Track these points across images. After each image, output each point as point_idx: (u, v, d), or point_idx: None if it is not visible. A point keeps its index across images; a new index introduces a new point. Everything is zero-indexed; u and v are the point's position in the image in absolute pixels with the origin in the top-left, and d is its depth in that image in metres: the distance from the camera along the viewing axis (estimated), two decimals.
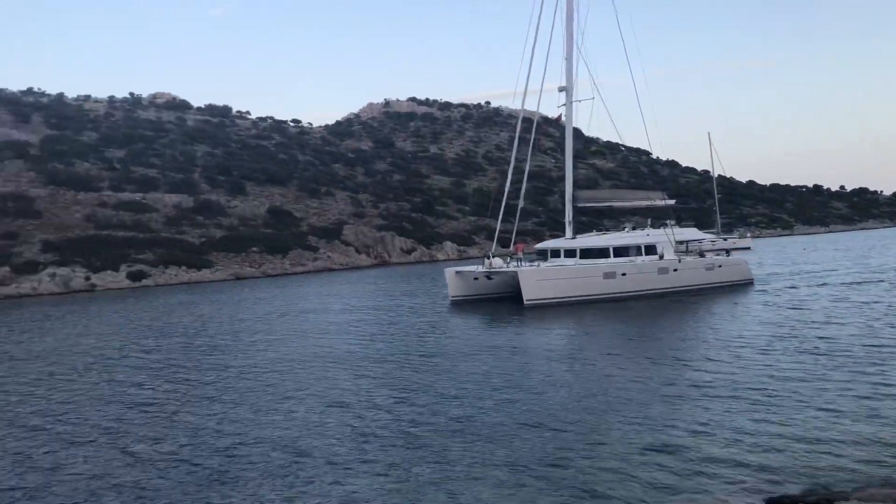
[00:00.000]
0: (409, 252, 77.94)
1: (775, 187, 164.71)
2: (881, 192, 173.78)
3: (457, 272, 33.83)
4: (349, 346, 20.85)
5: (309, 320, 28.35)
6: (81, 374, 18.61)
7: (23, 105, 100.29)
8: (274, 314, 31.28)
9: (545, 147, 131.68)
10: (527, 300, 30.13)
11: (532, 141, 38.42)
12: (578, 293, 31.12)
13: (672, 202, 41.07)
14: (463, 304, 32.35)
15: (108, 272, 54.52)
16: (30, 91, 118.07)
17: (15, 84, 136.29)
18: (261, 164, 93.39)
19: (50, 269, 52.49)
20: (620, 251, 33.99)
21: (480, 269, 33.40)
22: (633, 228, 37.65)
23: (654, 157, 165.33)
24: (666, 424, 11.52)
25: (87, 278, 53.00)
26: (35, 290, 50.15)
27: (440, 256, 78.35)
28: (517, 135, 37.02)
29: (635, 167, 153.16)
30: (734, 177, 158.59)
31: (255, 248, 66.13)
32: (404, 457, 10.47)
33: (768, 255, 61.13)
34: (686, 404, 12.70)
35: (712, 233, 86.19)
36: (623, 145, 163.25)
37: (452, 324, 25.99)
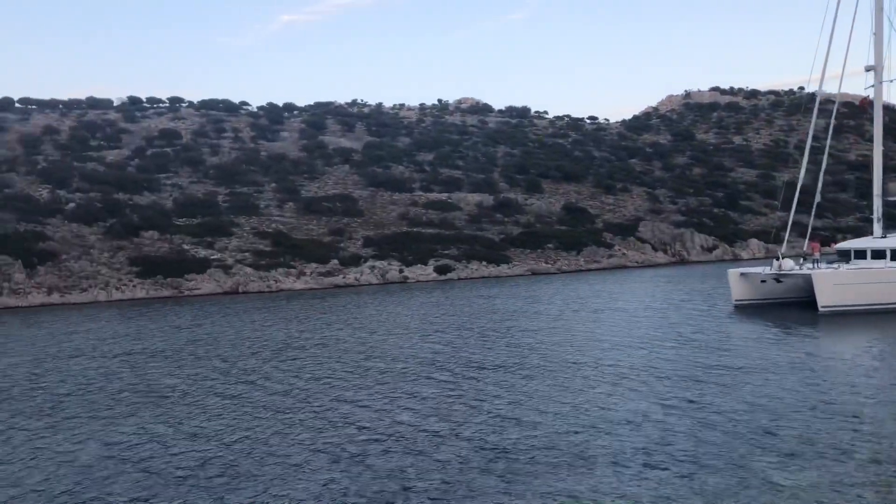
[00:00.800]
0: (709, 250, 74.13)
1: None
2: None
3: (741, 274, 31.41)
4: (611, 355, 20.12)
5: (582, 321, 28.28)
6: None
7: (348, 115, 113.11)
8: (552, 313, 31.76)
9: (870, 134, 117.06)
10: (822, 307, 27.28)
11: (831, 127, 34.47)
12: (887, 300, 27.51)
13: None
14: (748, 310, 29.89)
15: (419, 266, 59.35)
16: (354, 103, 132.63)
17: (342, 97, 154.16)
18: (556, 162, 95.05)
19: (370, 263, 58.58)
20: None
21: (768, 270, 30.73)
22: None
23: None
24: None
25: (401, 271, 58.23)
26: (357, 280, 56.28)
27: (744, 255, 73.38)
28: (813, 120, 33.33)
29: None
30: None
31: (550, 245, 67.56)
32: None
33: None
34: None
35: None
36: None
37: (731, 332, 23.93)
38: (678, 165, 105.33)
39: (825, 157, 34.62)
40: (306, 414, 14.06)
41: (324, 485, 10.12)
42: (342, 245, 61.55)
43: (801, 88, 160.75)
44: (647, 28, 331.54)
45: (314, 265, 56.77)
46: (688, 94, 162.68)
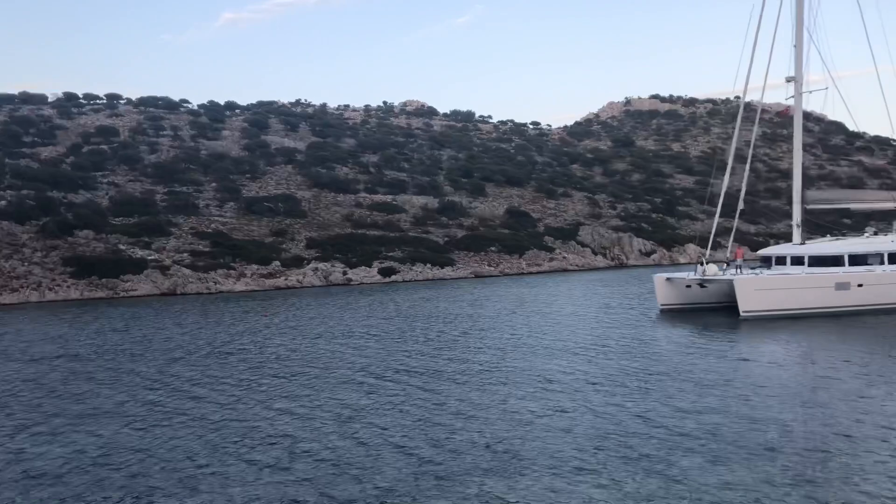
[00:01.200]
0: (648, 254, 75.74)
1: None
2: None
3: (667, 279, 31.73)
4: (535, 361, 20.40)
5: (515, 325, 28.67)
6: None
7: (292, 115, 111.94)
8: (488, 316, 32.08)
9: (805, 144, 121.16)
10: (743, 312, 27.78)
11: (754, 134, 35.62)
12: (804, 306, 28.14)
13: None
14: (673, 314, 30.32)
15: (363, 268, 59.04)
16: (297, 103, 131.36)
17: (286, 97, 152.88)
18: (500, 167, 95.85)
19: (313, 264, 58.03)
20: (857, 259, 30.21)
21: (693, 275, 31.25)
22: (875, 233, 33.50)
23: None
24: None
25: (345, 273, 57.83)
26: (300, 282, 55.68)
27: (682, 259, 75.19)
28: (736, 130, 34.35)
29: None
30: None
31: (493, 248, 68.06)
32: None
33: None
34: None
35: None
36: (894, 140, 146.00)
37: (656, 336, 24.13)
38: (618, 171, 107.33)
39: (748, 165, 35.49)
40: (228, 421, 13.85)
41: (241, 493, 9.99)
42: (284, 246, 60.84)
43: (738, 98, 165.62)
44: (589, 35, 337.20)
45: (255, 266, 55.98)
46: (628, 102, 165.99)
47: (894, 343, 21.40)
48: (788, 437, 11.30)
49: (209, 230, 61.11)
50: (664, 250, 77.37)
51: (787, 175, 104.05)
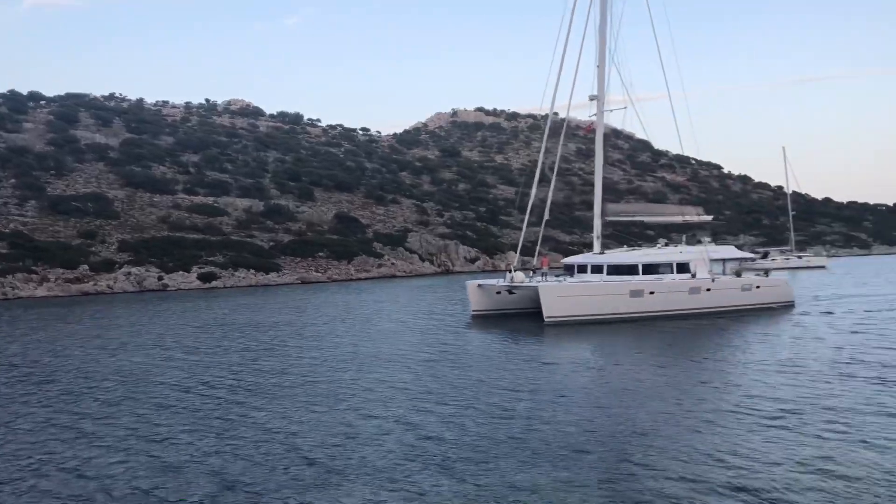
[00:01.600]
0: (472, 261, 77.98)
1: (853, 205, 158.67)
2: None
3: (479, 285, 32.53)
4: (343, 371, 20.53)
5: (337, 331, 28.55)
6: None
7: (104, 109, 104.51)
8: (304, 323, 31.67)
9: (612, 159, 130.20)
10: (547, 318, 28.83)
11: (559, 148, 37.16)
12: (602, 312, 29.65)
13: (709, 218, 38.95)
14: (485, 319, 31.19)
15: (180, 273, 56.10)
16: (111, 96, 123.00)
17: (98, 89, 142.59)
18: (329, 171, 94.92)
19: (126, 269, 54.34)
20: (650, 268, 32.19)
21: (502, 282, 32.14)
22: (666, 244, 35.82)
23: (725, 171, 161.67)
24: (686, 451, 11.14)
25: (160, 278, 54.65)
26: (111, 287, 51.97)
27: (503, 266, 78.17)
28: (543, 145, 36.07)
29: (706, 181, 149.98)
30: (809, 193, 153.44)
31: (321, 254, 67.14)
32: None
33: (845, 277, 58.76)
34: (711, 429, 12.27)
35: (786, 250, 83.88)
36: (693, 159, 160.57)
37: (469, 342, 24.54)
38: (445, 180, 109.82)
39: (553, 178, 37.15)
40: None
41: None
42: (94, 249, 56.53)
43: (556, 114, 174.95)
44: (419, 44, 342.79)
45: (60, 270, 51.56)
46: (455, 113, 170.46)
47: (683, 346, 23.05)
48: (593, 439, 11.83)
49: (7, 230, 55.56)
50: (487, 257, 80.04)
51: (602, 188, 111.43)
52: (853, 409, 13.36)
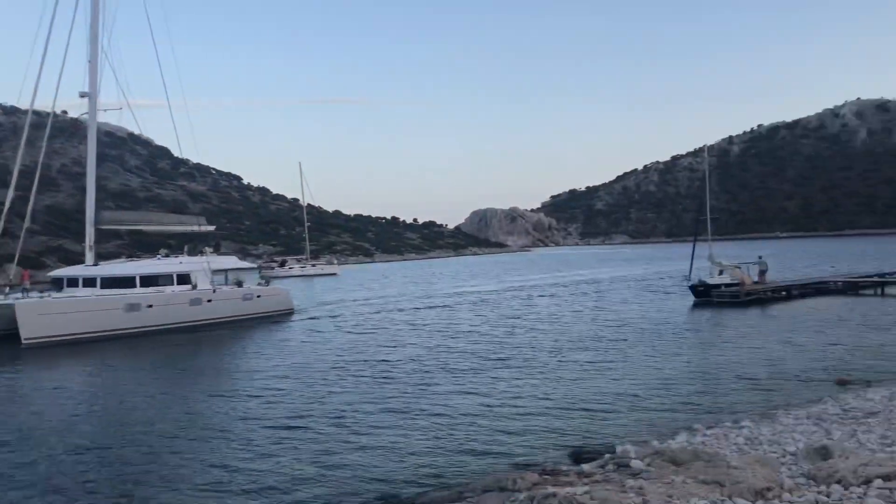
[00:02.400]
0: None
1: (359, 217, 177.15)
2: (446, 225, 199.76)
3: None
4: None
5: None
6: None
7: None
8: None
9: (130, 165, 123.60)
10: (25, 339, 25.67)
11: (43, 148, 34.85)
12: (96, 329, 27.38)
13: (211, 228, 39.04)
14: None
15: None
16: None
17: None
18: None
19: None
20: (149, 280, 30.62)
21: None
22: (167, 255, 34.37)
23: (245, 182, 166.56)
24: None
25: None
26: None
27: (1, 281, 68.15)
28: (21, 141, 32.75)
29: (226, 191, 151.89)
30: (322, 206, 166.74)
31: None
32: None
33: (352, 282, 65.05)
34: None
35: (302, 259, 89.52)
36: (214, 169, 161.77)
37: None
38: None
39: (35, 181, 33.75)
40: None
41: None
42: None
43: (65, 112, 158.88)
44: None
45: None
46: None
47: (186, 360, 22.78)
48: (98, 473, 11.01)
49: None
50: None
51: (115, 196, 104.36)
52: (350, 403, 14.95)
